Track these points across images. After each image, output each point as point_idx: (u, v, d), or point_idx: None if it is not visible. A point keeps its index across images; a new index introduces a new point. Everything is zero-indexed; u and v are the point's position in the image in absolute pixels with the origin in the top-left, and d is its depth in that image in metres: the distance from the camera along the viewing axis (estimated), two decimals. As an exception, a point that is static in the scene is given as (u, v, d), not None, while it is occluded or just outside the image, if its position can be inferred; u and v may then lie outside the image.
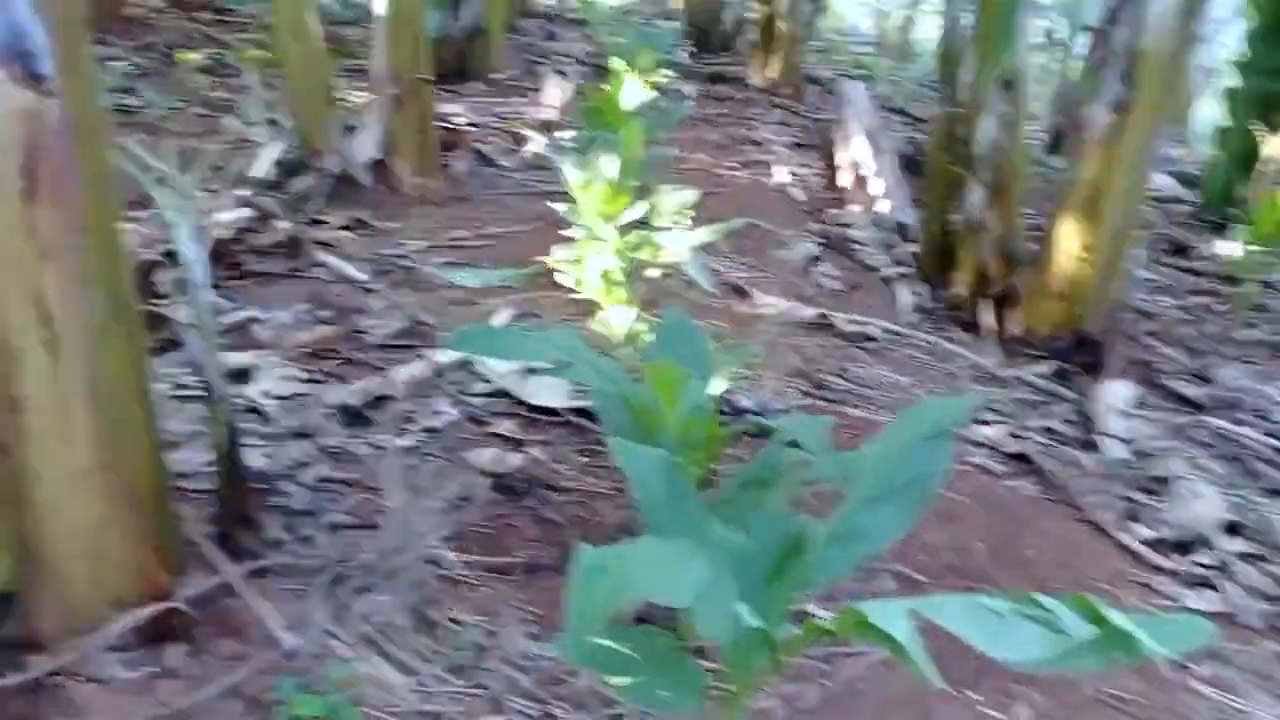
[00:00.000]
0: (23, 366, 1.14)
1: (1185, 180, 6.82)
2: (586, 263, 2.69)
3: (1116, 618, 0.91)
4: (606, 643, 1.14)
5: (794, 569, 1.16)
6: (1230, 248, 4.75)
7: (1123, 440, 2.84)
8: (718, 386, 1.95)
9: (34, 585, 1.32)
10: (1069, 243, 3.14)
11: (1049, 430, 2.89)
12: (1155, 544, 2.35)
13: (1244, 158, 5.32)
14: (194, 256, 1.52)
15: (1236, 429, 3.07)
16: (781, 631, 1.17)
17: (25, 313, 1.12)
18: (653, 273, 3.30)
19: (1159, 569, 2.25)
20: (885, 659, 1.76)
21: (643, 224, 2.87)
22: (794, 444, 1.63)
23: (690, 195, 2.89)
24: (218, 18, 6.58)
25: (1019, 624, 0.94)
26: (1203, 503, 2.51)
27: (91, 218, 1.15)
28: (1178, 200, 6.35)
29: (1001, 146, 3.26)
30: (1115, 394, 3.05)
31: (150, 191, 1.60)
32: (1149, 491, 2.62)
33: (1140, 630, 0.90)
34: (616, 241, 2.64)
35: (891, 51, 10.66)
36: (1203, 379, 3.46)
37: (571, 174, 2.87)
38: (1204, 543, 2.37)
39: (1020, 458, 2.66)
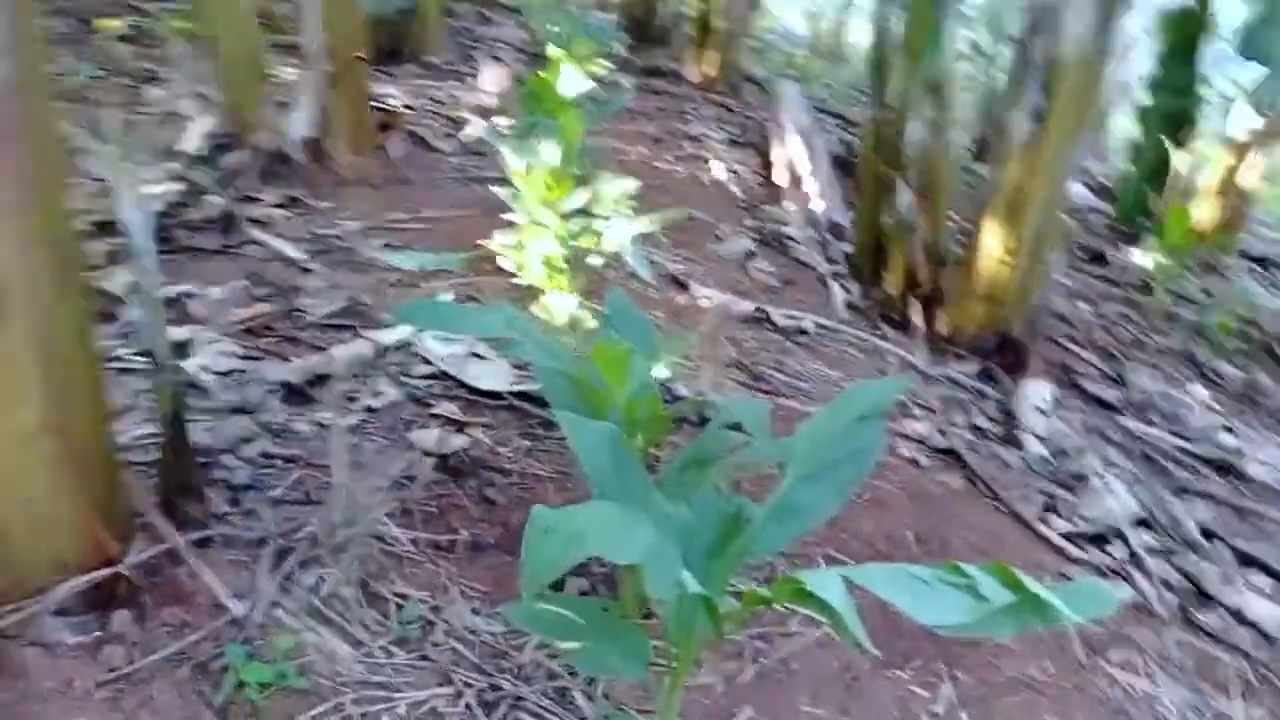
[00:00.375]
0: (-28, 330, 1.13)
1: (1102, 192, 7.15)
2: (528, 248, 2.71)
3: (1033, 585, 0.99)
4: (555, 609, 1.18)
5: (735, 543, 1.22)
6: (1143, 257, 5.00)
7: (1042, 438, 2.99)
8: (660, 372, 2.01)
9: (-25, 550, 1.30)
10: (992, 246, 3.27)
11: (975, 427, 3.02)
12: (1072, 536, 2.48)
13: (1155, 171, 5.61)
14: (137, 222, 1.51)
15: (1148, 430, 3.26)
16: (723, 602, 1.22)
17: (-22, 274, 1.11)
18: (594, 261, 3.34)
19: (1075, 560, 2.38)
20: (820, 639, 1.84)
21: (583, 212, 2.91)
22: (733, 427, 1.69)
23: (631, 184, 2.93)
24: (143, -15, 6.36)
25: (943, 590, 1.01)
26: (1116, 499, 2.66)
27: (38, 178, 1.14)
28: (1095, 210, 6.66)
29: (929, 150, 3.39)
30: (1036, 394, 3.20)
31: (76, 159, 1.58)
32: (1066, 487, 2.76)
33: (1054, 597, 0.98)
34: (558, 228, 2.67)
35: (824, 53, 10.85)
36: (1118, 382, 3.66)
37: (512, 159, 2.89)
38: (1117, 535, 2.52)
39: (948, 452, 2.78)
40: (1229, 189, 5.77)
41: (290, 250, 2.95)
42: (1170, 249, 4.50)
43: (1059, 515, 2.54)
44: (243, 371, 2.22)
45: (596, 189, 2.89)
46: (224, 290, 2.61)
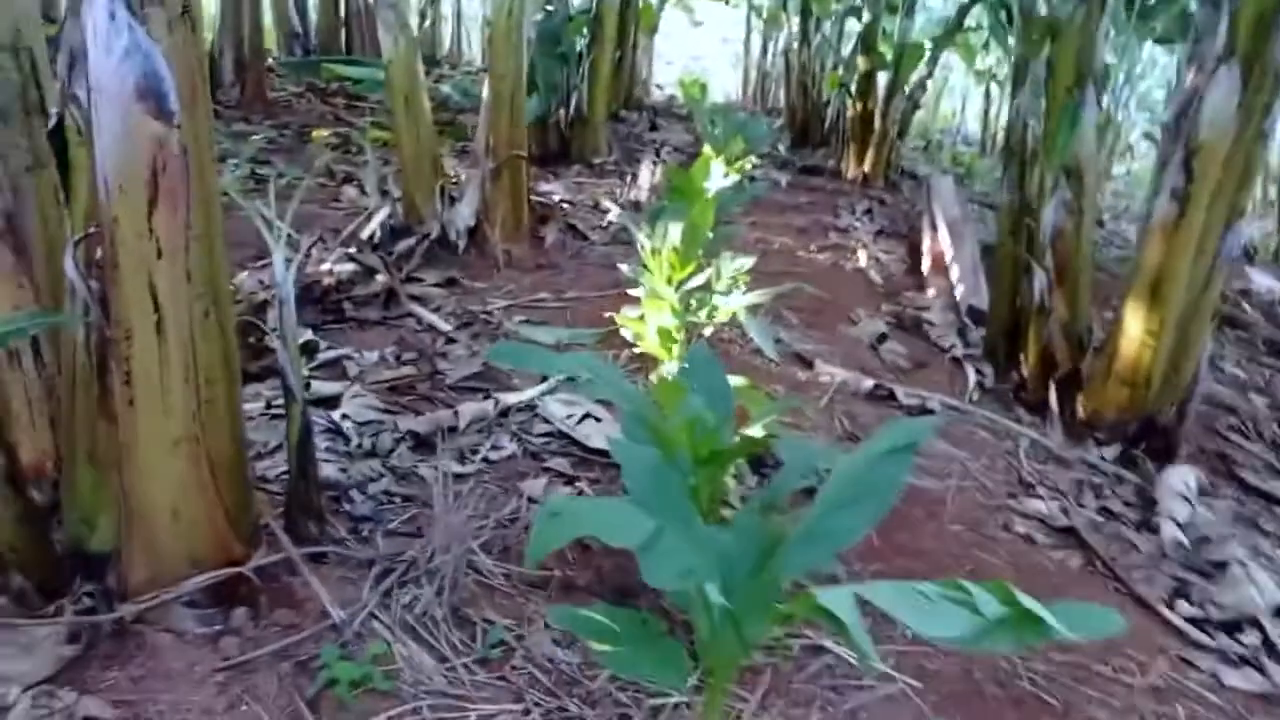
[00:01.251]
0: (134, 345, 1.39)
1: (1293, 283, 6.64)
2: (648, 321, 2.88)
3: (1028, 601, 1.00)
4: (595, 615, 1.28)
5: (770, 564, 1.28)
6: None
7: (1182, 525, 2.81)
8: (755, 429, 2.09)
9: (129, 540, 1.54)
10: (1134, 328, 3.16)
11: (1105, 510, 2.88)
12: (1200, 622, 2.33)
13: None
14: (284, 282, 1.77)
15: (1310, 524, 3.00)
16: (759, 621, 1.28)
17: (140, 299, 1.37)
18: (723, 337, 3.48)
19: (1197, 644, 2.22)
20: (892, 694, 1.82)
21: (705, 289, 3.06)
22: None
23: (748, 261, 3.06)
24: (349, 102, 7.23)
25: (944, 606, 1.04)
26: (1257, 588, 2.47)
27: (199, 226, 1.40)
28: (1283, 304, 6.20)
29: (1064, 232, 3.34)
30: (1180, 479, 3.02)
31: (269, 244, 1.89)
32: (1203, 574, 2.58)
33: (1049, 614, 0.99)
34: (674, 300, 2.82)
35: (994, 152, 10.75)
36: (1283, 474, 3.39)
37: (643, 240, 3.10)
38: (1253, 624, 2.33)
39: (1069, 531, 2.68)
40: None
41: (440, 322, 3.25)
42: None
43: (1189, 602, 2.38)
44: (380, 422, 2.47)
45: (717, 267, 3.03)
46: (377, 354, 2.92)
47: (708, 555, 1.31)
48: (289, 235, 2.80)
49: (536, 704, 1.66)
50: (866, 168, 7.65)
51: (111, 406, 1.45)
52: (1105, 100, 6.66)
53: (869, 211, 6.46)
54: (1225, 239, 3.09)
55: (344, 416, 2.43)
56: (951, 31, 7.21)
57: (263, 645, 1.63)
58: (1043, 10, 3.53)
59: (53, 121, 1.46)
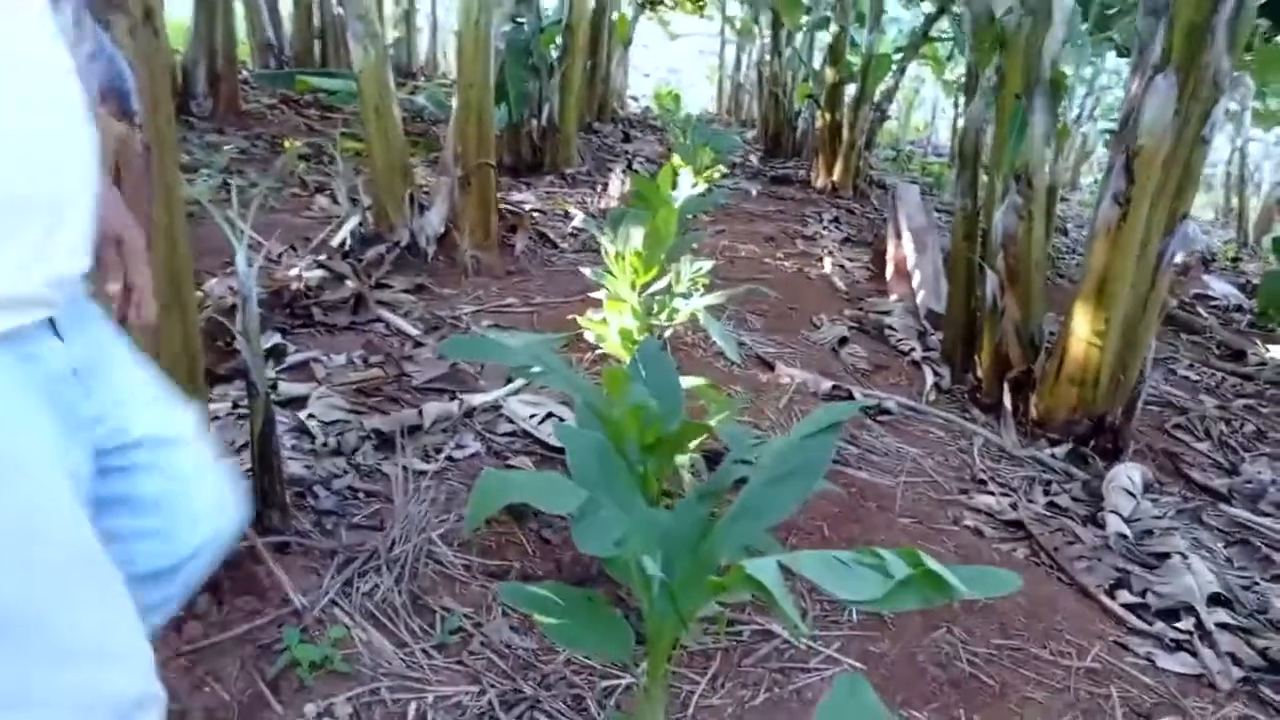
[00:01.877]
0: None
1: (1249, 289, 6.83)
2: (610, 323, 2.96)
3: (933, 564, 1.08)
4: (542, 591, 1.35)
5: (706, 540, 1.35)
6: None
7: (1127, 519, 2.91)
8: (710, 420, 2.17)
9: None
10: (1081, 329, 3.27)
11: (1053, 505, 2.98)
12: (1138, 608, 2.42)
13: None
14: (247, 279, 1.83)
15: (1254, 518, 3.10)
16: (695, 593, 1.36)
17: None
18: (686, 340, 3.56)
19: (1134, 630, 2.31)
20: (836, 675, 1.90)
21: (666, 292, 3.14)
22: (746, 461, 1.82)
23: (707, 265, 3.14)
24: (323, 114, 7.28)
25: (860, 570, 1.11)
26: (1195, 577, 2.56)
27: (161, 220, 1.46)
28: (1239, 308, 6.37)
29: (1015, 235, 3.45)
30: (1127, 475, 3.12)
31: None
32: (1145, 565, 2.67)
33: (952, 575, 1.07)
34: (635, 303, 2.90)
35: (962, 162, 10.96)
36: (1230, 472, 3.50)
37: (606, 245, 3.18)
38: (1190, 611, 2.43)
39: (1016, 524, 2.77)
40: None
41: (408, 327, 3.31)
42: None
43: (1129, 590, 2.47)
44: (345, 422, 2.53)
45: (678, 270, 3.12)
46: (344, 357, 2.98)
47: (647, 532, 1.38)
48: (258, 241, 2.86)
49: (492, 685, 1.73)
50: (835, 177, 7.79)
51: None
52: (1066, 110, 6.83)
53: (836, 220, 6.58)
54: (1168, 241, 3.21)
55: (310, 416, 2.48)
56: (916, 44, 7.37)
57: (226, 629, 1.69)
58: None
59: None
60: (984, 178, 3.77)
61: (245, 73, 7.93)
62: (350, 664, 1.69)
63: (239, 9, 7.69)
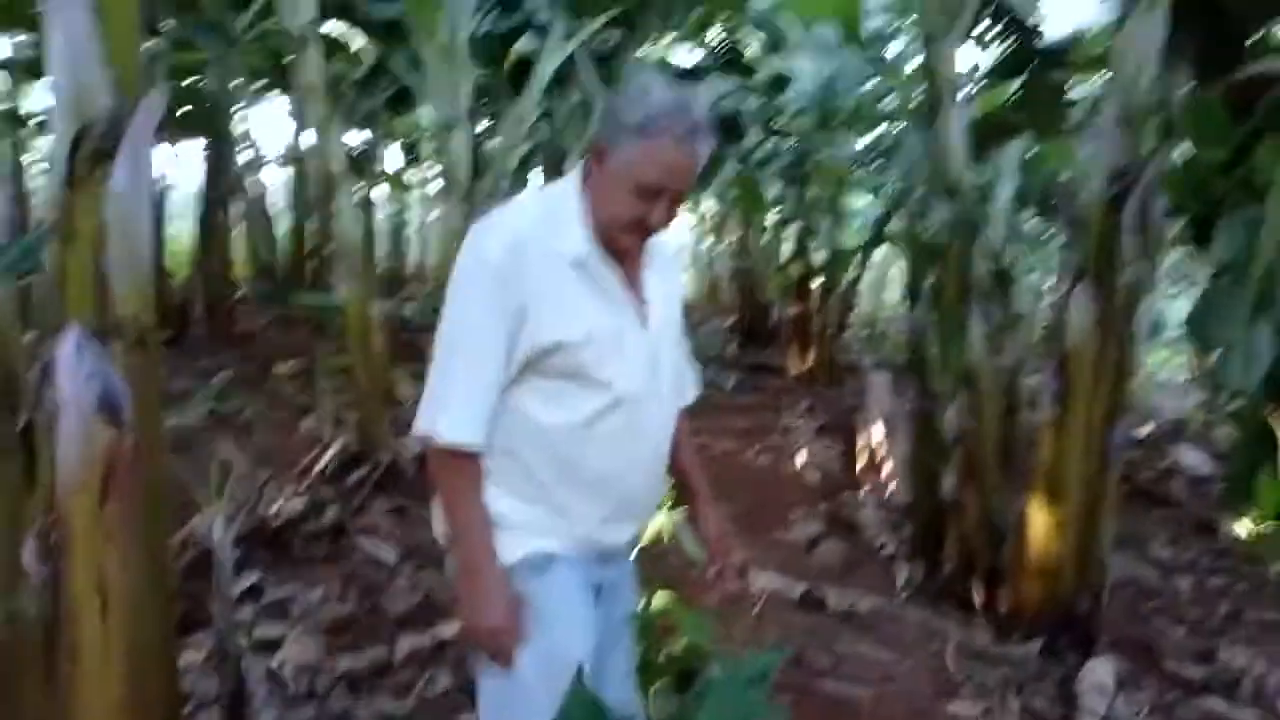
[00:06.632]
0: (81, 622, 1.55)
1: (1220, 457, 6.95)
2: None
3: None
4: None
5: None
6: (1251, 527, 4.85)
7: (1102, 718, 2.92)
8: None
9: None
10: (1039, 521, 3.37)
11: (1027, 709, 2.99)
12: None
13: (1260, 437, 5.52)
14: (220, 538, 1.96)
15: (1228, 709, 3.11)
16: None
17: (88, 581, 1.55)
18: (658, 550, 3.63)
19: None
20: None
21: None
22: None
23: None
24: (313, 332, 7.59)
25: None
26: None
27: (146, 515, 1.60)
28: (1210, 479, 6.47)
29: (967, 433, 3.62)
30: (1100, 672, 3.15)
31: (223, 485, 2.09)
32: (1119, 768, 2.68)
33: None
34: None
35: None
36: (1205, 659, 3.51)
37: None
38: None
39: (992, 734, 2.78)
40: (1345, 451, 5.58)
41: (385, 555, 3.41)
42: (1266, 519, 4.37)
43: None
44: (320, 664, 2.58)
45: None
46: (321, 591, 3.05)
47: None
48: (244, 473, 2.99)
49: None
50: (809, 364, 8.08)
51: (57, 681, 1.59)
52: (1016, 297, 7.17)
53: (811, 408, 6.78)
54: (1110, 434, 3.36)
55: (283, 664, 2.54)
56: (876, 237, 7.82)
57: None
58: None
59: (22, 423, 1.68)
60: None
61: (241, 293, 8.32)
62: None
63: (237, 229, 8.15)
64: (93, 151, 1.42)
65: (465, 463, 1.42)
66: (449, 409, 1.39)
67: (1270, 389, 3.93)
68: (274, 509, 3.44)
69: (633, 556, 1.66)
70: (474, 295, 1.39)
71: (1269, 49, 2.87)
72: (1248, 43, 2.33)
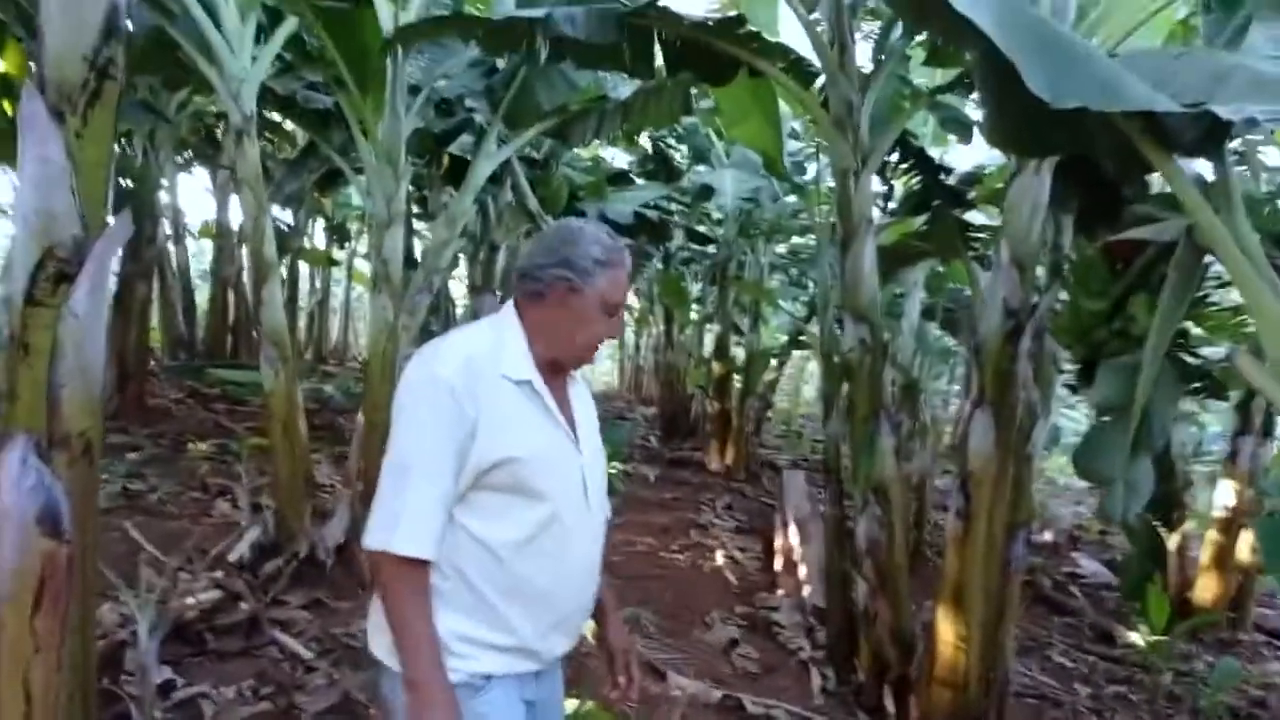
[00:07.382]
0: (4, 729, 1.54)
1: (1116, 566, 7.29)
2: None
3: None
4: None
5: None
6: (1146, 635, 5.09)
7: (1004, 831, 3.02)
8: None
9: None
10: (945, 632, 3.50)
11: (935, 819, 3.08)
12: None
13: (1152, 549, 5.83)
14: (148, 648, 1.94)
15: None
16: None
17: (14, 691, 1.53)
18: (581, 651, 3.65)
19: None
20: None
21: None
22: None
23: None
24: (230, 408, 7.45)
25: None
26: None
27: (74, 622, 1.60)
28: (1108, 586, 6.77)
29: (879, 543, 3.76)
30: (1002, 783, 3.26)
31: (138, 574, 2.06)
32: None
33: None
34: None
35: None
36: (1104, 768, 3.67)
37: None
38: None
39: None
40: (1226, 565, 5.93)
41: (301, 650, 3.35)
42: (1155, 630, 4.61)
43: None
44: (231, 770, 2.52)
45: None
46: (234, 689, 2.98)
47: None
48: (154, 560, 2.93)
49: None
50: (728, 460, 8.23)
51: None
52: (927, 407, 7.48)
53: (729, 506, 6.90)
54: (1010, 548, 3.55)
55: (196, 767, 2.48)
56: (792, 341, 8.11)
57: None
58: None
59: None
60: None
61: (155, 364, 8.13)
62: None
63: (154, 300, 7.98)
64: (55, 273, 1.46)
65: (418, 572, 1.47)
66: (404, 523, 1.45)
67: (1157, 509, 4.23)
68: (187, 600, 3.36)
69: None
70: (428, 411, 1.47)
71: (1148, 197, 3.17)
72: (1125, 196, 2.59)
